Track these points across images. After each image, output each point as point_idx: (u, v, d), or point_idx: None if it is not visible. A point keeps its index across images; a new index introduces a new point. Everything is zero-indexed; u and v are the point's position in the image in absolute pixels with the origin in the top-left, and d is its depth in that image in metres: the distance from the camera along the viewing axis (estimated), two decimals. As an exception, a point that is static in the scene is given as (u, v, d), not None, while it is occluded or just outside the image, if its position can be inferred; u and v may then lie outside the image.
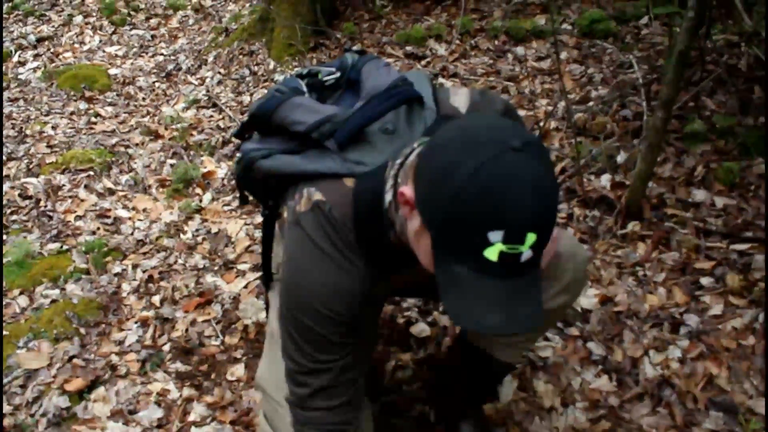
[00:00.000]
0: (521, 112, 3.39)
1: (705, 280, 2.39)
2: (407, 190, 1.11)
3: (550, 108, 3.34)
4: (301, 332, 1.31)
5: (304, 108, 1.41)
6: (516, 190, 0.98)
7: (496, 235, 0.99)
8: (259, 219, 2.86)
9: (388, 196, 1.24)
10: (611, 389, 2.11)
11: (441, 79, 3.81)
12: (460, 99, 1.44)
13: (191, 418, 2.18)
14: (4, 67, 4.89)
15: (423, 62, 4.05)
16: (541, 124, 3.18)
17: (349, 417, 1.40)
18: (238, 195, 1.65)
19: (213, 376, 2.34)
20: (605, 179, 2.83)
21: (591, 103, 3.31)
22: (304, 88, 1.56)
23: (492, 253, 1.00)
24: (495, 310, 1.04)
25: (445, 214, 1.02)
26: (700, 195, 2.69)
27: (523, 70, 3.75)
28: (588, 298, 2.37)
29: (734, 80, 3.09)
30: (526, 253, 1.01)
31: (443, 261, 1.07)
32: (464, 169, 0.99)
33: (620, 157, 2.90)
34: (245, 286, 2.67)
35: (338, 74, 1.60)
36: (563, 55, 3.79)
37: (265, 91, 3.05)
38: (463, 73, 3.85)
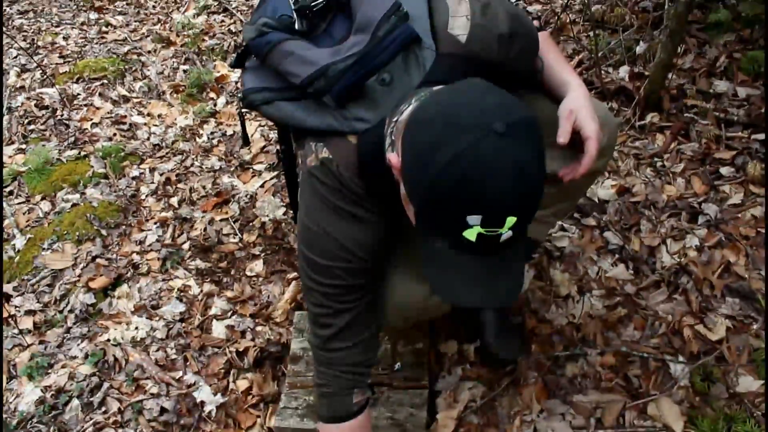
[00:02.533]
0: (537, 6, 3.30)
1: (725, 170, 2.35)
2: (394, 158, 1.11)
3: (567, 0, 3.23)
4: (325, 277, 1.37)
5: (296, 58, 1.35)
6: (495, 177, 0.97)
7: (474, 219, 0.99)
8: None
9: (388, 153, 1.23)
10: (628, 277, 2.11)
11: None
12: (459, 23, 1.35)
13: (212, 312, 2.24)
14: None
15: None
16: (559, 17, 3.09)
17: (364, 358, 1.49)
18: (241, 135, 1.66)
19: (232, 272, 2.38)
20: (623, 71, 2.77)
21: (610, -5, 3.20)
22: (294, 14, 1.46)
23: (471, 235, 1.01)
24: (474, 286, 1.08)
25: (425, 196, 1.02)
26: (722, 85, 2.62)
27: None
28: (605, 189, 2.35)
29: (761, -34, 2.96)
30: (506, 234, 1.01)
31: (425, 233, 1.09)
32: (443, 155, 0.98)
33: (639, 48, 2.82)
34: (261, 185, 2.68)
35: None
36: (582, -54, 3.65)
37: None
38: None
